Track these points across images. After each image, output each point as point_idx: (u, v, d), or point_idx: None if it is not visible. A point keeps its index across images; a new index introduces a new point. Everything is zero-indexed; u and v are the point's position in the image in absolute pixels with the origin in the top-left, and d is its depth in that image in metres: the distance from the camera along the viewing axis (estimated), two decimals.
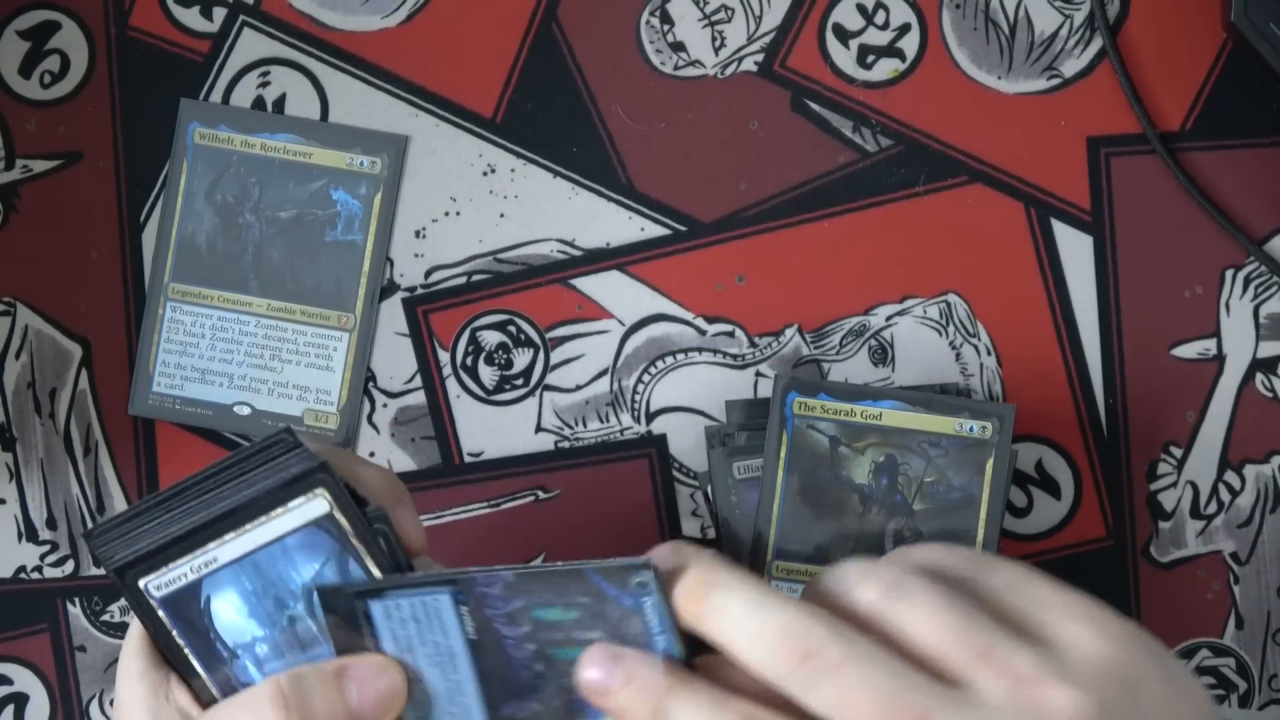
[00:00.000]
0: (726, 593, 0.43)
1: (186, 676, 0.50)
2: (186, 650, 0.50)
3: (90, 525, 0.50)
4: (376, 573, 0.49)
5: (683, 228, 0.65)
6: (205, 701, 0.49)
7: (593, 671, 0.44)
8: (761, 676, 0.42)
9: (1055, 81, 0.65)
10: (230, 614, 0.49)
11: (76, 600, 0.66)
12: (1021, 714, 0.40)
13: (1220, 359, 0.64)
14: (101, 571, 0.65)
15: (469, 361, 0.65)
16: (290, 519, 0.49)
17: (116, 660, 0.64)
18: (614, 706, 0.44)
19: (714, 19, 0.65)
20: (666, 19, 0.65)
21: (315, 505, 0.49)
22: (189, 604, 0.49)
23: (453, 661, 0.47)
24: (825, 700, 0.40)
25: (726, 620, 0.42)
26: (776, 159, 0.65)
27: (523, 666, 0.46)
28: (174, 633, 0.50)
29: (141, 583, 0.49)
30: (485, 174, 0.65)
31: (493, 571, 0.45)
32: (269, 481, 0.49)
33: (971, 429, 0.61)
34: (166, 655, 0.50)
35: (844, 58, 0.65)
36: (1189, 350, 0.64)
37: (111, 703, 0.65)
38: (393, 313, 0.65)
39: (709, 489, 0.64)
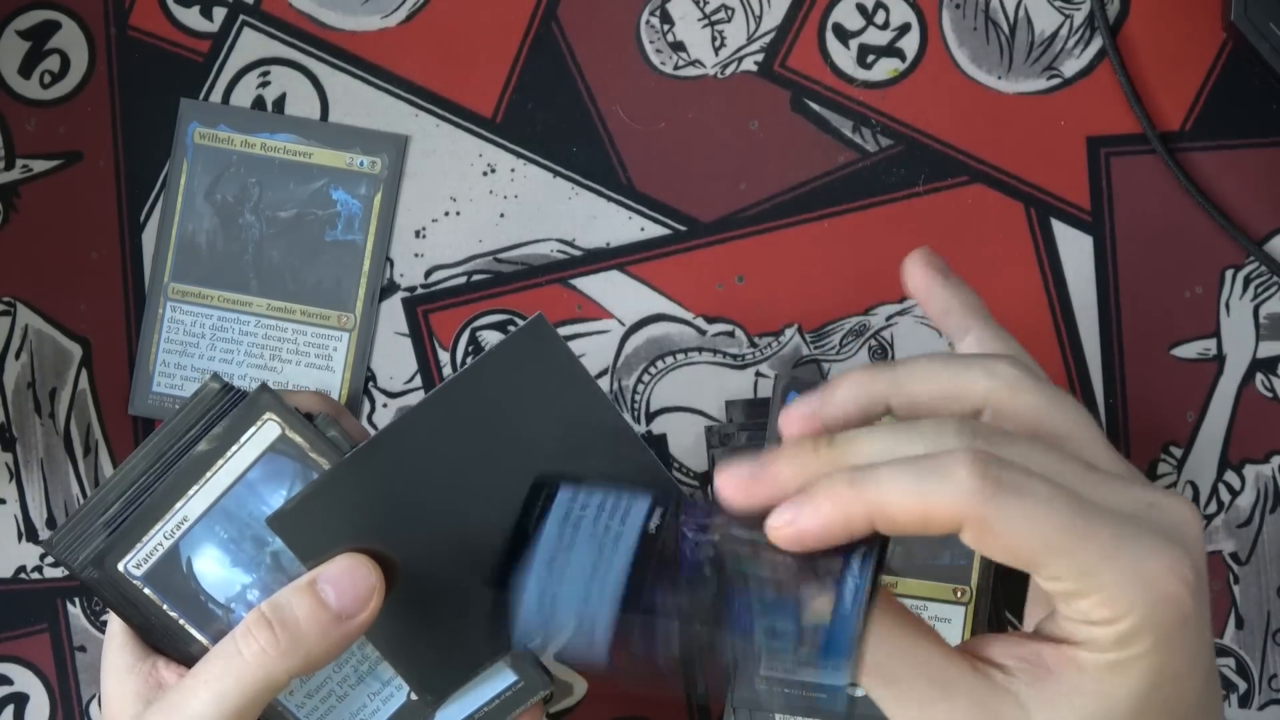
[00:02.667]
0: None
1: (183, 648, 0.50)
2: (182, 620, 0.50)
3: (66, 552, 0.50)
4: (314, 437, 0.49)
5: (683, 228, 0.65)
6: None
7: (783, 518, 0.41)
8: None
9: (1055, 81, 0.65)
10: (214, 569, 0.50)
11: (76, 600, 0.65)
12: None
13: (1220, 359, 0.64)
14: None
15: (469, 361, 0.65)
16: (246, 453, 0.49)
17: None
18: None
19: (714, 19, 0.65)
20: (666, 19, 0.65)
21: (266, 431, 0.49)
22: (172, 572, 0.49)
23: (615, 544, 0.44)
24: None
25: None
26: (776, 159, 0.65)
27: (689, 566, 0.45)
28: (165, 607, 0.49)
29: (121, 566, 0.49)
30: (485, 174, 0.65)
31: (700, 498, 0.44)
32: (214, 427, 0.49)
33: None
34: (155, 640, 0.50)
35: (844, 58, 0.65)
36: (1189, 350, 0.64)
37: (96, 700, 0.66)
38: (393, 313, 0.65)
39: (709, 488, 0.64)
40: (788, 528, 0.40)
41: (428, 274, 0.65)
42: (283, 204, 0.65)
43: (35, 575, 0.66)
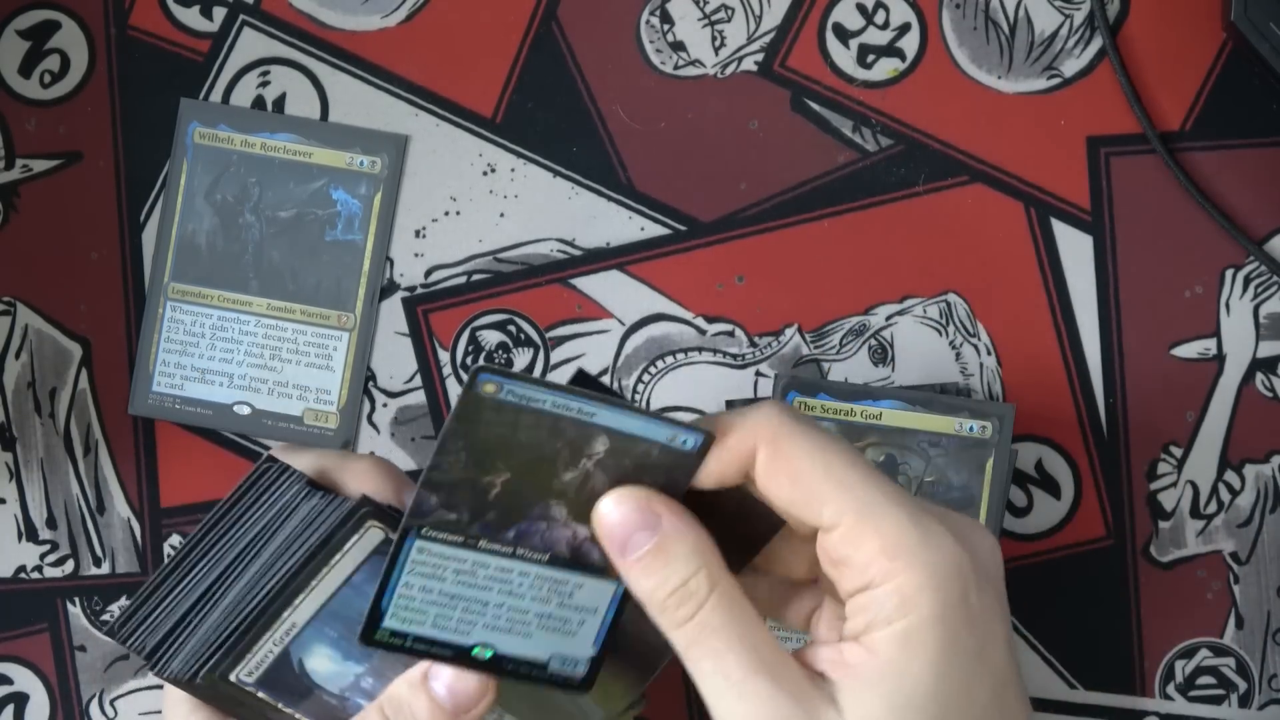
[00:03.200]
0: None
1: (270, 716, 0.50)
2: (297, 715, 0.50)
3: (130, 637, 0.50)
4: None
5: (683, 228, 0.65)
6: None
7: (614, 515, 0.43)
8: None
9: (1055, 81, 0.65)
10: (326, 665, 0.49)
11: (76, 600, 0.65)
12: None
13: (1220, 359, 0.64)
14: (102, 571, 0.65)
15: (469, 361, 0.65)
16: (350, 560, 0.48)
17: (117, 660, 0.65)
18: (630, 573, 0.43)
19: (714, 18, 0.65)
20: (666, 19, 0.65)
21: (369, 537, 0.48)
22: (285, 674, 0.49)
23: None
24: None
25: None
26: (776, 159, 0.65)
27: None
28: (280, 705, 0.49)
29: (234, 676, 0.49)
30: (485, 174, 0.65)
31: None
32: (295, 527, 0.48)
33: (971, 429, 0.61)
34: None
35: (844, 57, 0.65)
36: (1189, 350, 0.64)
37: (112, 702, 0.65)
38: (393, 312, 0.65)
39: None
40: None
41: (428, 274, 0.65)
42: (283, 204, 0.65)
43: (35, 575, 0.66)
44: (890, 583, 0.41)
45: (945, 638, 0.41)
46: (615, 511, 0.43)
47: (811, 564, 0.46)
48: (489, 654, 0.46)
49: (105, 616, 0.65)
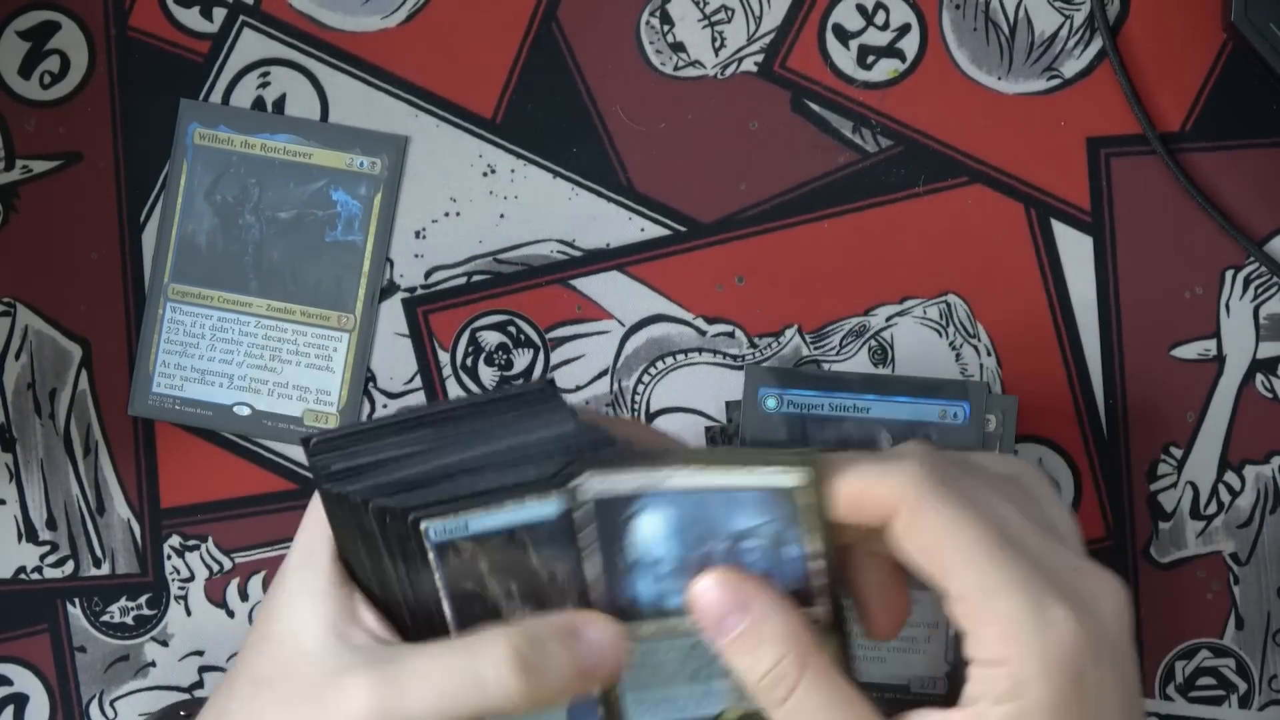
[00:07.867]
0: None
1: (391, 598, 0.47)
2: (444, 598, 0.47)
3: (320, 454, 0.47)
4: (818, 547, 0.46)
5: (683, 228, 0.65)
6: (399, 628, 0.47)
7: (710, 595, 0.44)
8: None
9: (1055, 82, 0.65)
10: (651, 529, 0.46)
11: (76, 600, 0.65)
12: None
13: (1220, 359, 0.64)
14: (102, 572, 0.65)
15: (469, 362, 0.65)
16: (758, 479, 0.45)
17: (117, 661, 0.65)
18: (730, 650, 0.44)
19: (714, 19, 0.65)
20: (666, 19, 0.65)
21: (793, 477, 0.45)
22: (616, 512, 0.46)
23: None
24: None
25: None
26: (776, 159, 0.65)
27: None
28: (436, 575, 0.46)
29: (424, 525, 0.46)
30: (485, 174, 0.65)
31: None
32: (539, 436, 0.47)
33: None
34: (360, 577, 0.48)
35: (844, 58, 0.65)
36: (1189, 350, 0.64)
37: (112, 703, 0.65)
38: (393, 313, 0.65)
39: None
40: None
41: (428, 274, 0.65)
42: (283, 204, 0.65)
43: (35, 575, 0.66)
44: (1004, 667, 0.41)
45: None
46: (710, 593, 0.44)
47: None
48: None
49: (105, 617, 0.65)
